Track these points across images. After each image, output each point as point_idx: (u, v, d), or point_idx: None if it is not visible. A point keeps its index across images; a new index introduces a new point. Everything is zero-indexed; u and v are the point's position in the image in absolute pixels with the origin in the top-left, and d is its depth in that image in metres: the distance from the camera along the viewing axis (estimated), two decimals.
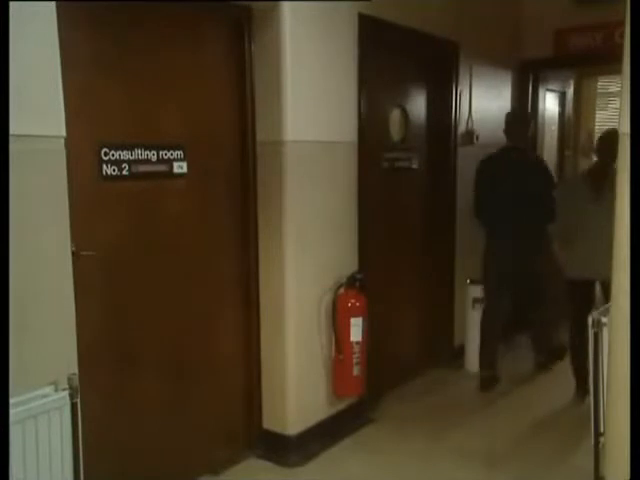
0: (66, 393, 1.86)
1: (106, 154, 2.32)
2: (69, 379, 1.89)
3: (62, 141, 1.91)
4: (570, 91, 5.45)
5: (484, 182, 3.88)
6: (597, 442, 2.39)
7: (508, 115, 4.05)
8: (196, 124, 2.73)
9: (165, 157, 2.58)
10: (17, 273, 1.81)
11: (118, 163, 2.38)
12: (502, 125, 3.91)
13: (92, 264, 2.29)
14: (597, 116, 6.53)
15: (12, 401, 1.75)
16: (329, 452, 3.07)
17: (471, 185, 3.89)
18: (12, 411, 1.74)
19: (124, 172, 2.40)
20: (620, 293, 1.81)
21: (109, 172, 2.34)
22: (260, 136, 2.89)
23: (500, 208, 3.80)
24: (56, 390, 1.87)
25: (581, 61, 4.75)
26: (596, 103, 6.41)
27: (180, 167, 2.64)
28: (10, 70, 1.72)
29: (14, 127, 1.74)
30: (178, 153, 2.63)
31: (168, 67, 2.61)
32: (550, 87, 5.05)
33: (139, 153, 2.45)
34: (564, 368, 4.02)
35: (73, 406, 1.87)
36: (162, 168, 2.58)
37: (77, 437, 1.88)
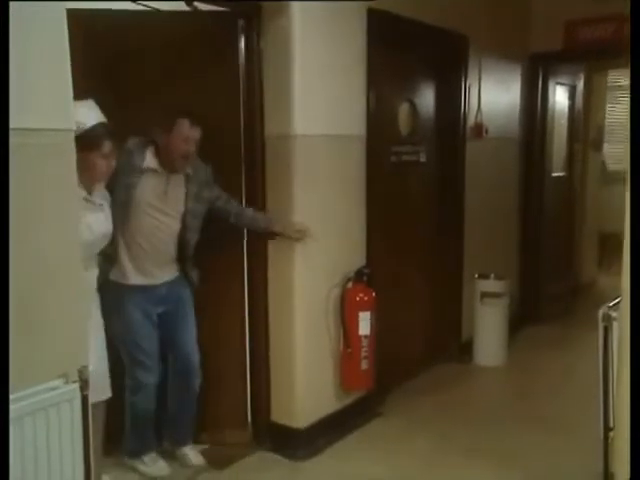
0: (76, 385, 1.87)
1: None
2: (79, 371, 1.90)
3: (72, 134, 1.91)
4: (580, 84, 5.40)
5: None
6: (606, 437, 2.39)
7: None
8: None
9: None
10: (28, 266, 1.82)
11: None
12: (511, 118, 3.87)
13: None
14: (607, 110, 6.47)
15: (22, 393, 1.77)
16: (336, 446, 3.08)
17: (479, 178, 3.84)
18: (22, 403, 1.75)
19: None
20: (630, 287, 1.80)
21: None
22: (269, 130, 2.89)
23: None
24: (66, 382, 1.88)
25: (591, 54, 4.70)
26: (606, 97, 6.35)
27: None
28: (21, 64, 1.73)
29: (24, 121, 1.75)
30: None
31: (169, 61, 2.62)
32: (560, 80, 5.01)
33: None
34: (578, 367, 4.02)
35: (83, 398, 1.88)
36: None
37: (87, 429, 1.89)
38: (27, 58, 1.76)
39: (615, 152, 6.64)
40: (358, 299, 3.07)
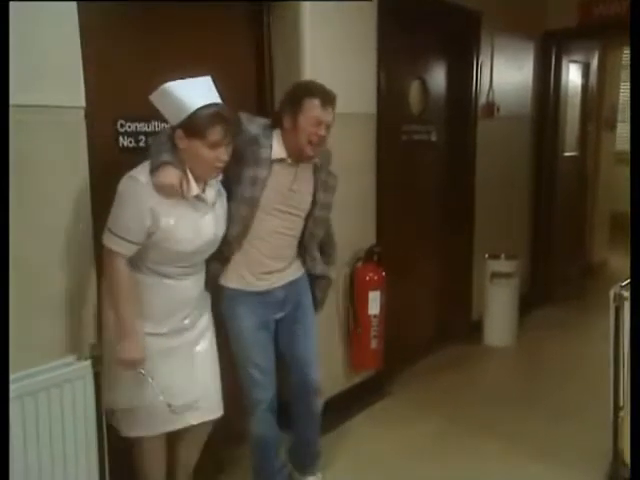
0: (89, 362, 1.89)
1: (122, 126, 2.31)
2: (91, 348, 1.93)
3: (82, 112, 1.90)
4: (594, 62, 5.32)
5: None
6: (616, 416, 2.39)
7: None
8: None
9: None
10: (39, 245, 1.83)
11: (135, 135, 2.36)
12: (523, 97, 3.81)
13: None
14: (622, 88, 6.36)
15: (36, 370, 1.80)
16: (345, 425, 3.10)
17: (490, 158, 3.79)
18: (36, 379, 1.78)
19: (141, 144, 2.38)
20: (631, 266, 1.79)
21: (125, 144, 2.32)
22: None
23: None
24: (79, 359, 1.90)
25: (606, 31, 4.62)
26: (621, 75, 6.23)
27: None
28: (30, 41, 1.72)
29: (33, 98, 1.75)
30: None
31: (187, 44, 2.58)
32: (573, 58, 4.93)
33: (156, 125, 2.44)
34: (588, 348, 4.01)
35: (95, 375, 1.90)
36: None
37: (100, 404, 1.92)
38: (39, 38, 1.75)
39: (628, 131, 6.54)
40: (368, 278, 3.07)
